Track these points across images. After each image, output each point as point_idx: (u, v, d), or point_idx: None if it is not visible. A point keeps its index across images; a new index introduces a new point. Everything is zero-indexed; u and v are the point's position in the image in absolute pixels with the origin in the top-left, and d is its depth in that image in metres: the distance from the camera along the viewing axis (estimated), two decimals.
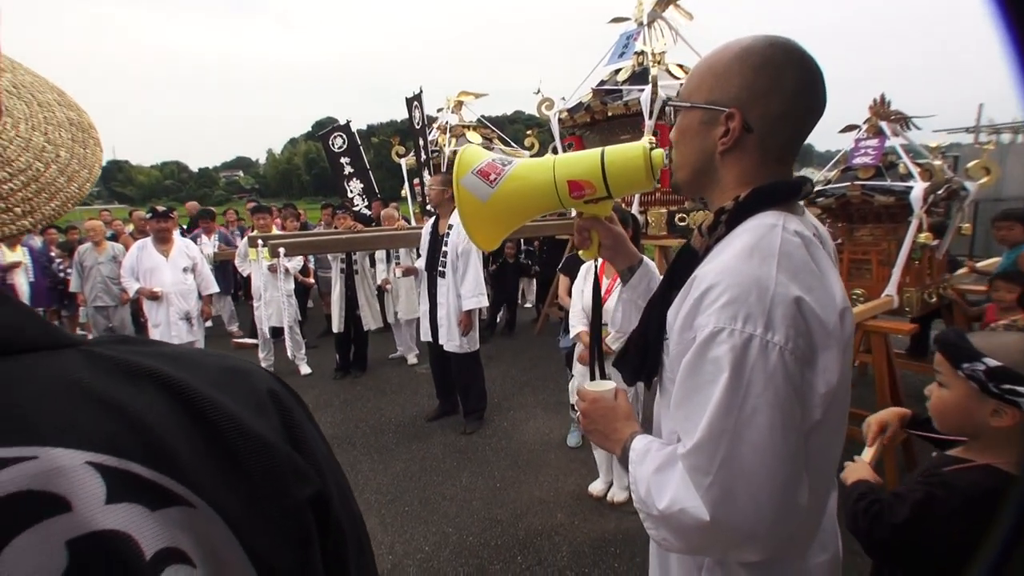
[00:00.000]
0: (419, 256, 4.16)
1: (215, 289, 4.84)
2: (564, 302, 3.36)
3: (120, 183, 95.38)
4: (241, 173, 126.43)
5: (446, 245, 3.66)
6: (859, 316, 3.22)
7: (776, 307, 0.70)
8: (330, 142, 8.80)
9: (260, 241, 4.31)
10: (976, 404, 1.03)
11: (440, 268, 3.70)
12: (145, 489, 0.34)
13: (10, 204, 0.37)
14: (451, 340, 3.69)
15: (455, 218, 3.74)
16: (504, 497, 3.01)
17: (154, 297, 4.25)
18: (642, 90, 5.11)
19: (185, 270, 4.45)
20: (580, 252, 1.12)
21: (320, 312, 6.86)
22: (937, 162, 3.28)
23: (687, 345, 0.76)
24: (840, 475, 1.19)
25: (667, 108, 4.90)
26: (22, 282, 5.81)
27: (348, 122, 8.97)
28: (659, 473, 0.78)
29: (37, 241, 6.50)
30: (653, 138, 4.88)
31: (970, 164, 3.66)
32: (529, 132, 8.01)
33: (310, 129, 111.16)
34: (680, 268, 0.87)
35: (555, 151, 5.99)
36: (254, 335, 5.79)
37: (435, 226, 3.83)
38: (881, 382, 2.99)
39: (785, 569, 0.82)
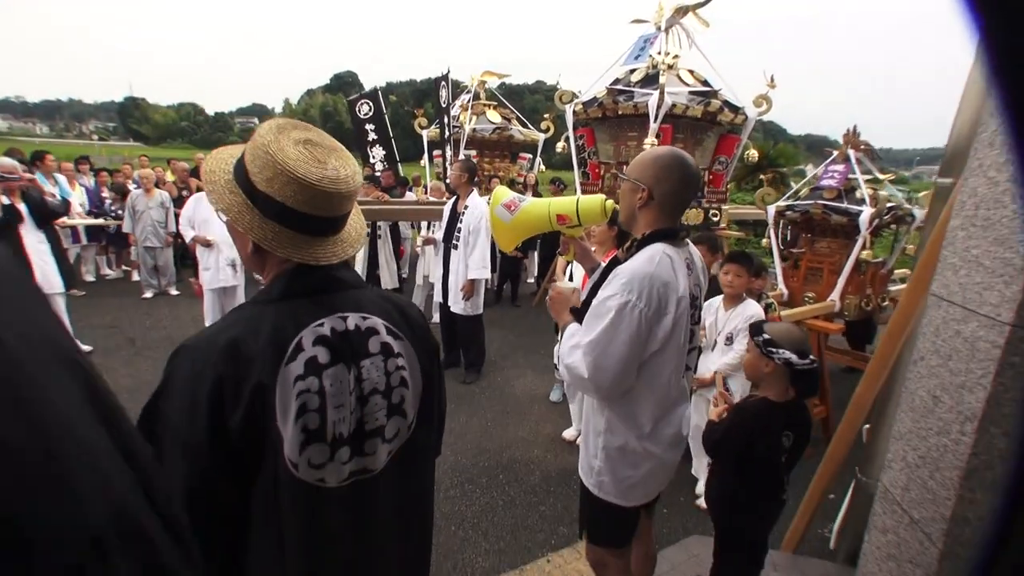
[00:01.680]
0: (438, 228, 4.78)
1: None
2: (559, 279, 4.00)
3: (136, 121, 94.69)
4: (256, 120, 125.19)
5: (461, 222, 4.28)
6: (802, 315, 3.86)
7: (645, 288, 1.36)
8: (357, 108, 9.26)
9: None
10: (759, 360, 1.73)
11: (455, 241, 4.33)
12: (399, 336, 0.99)
13: None
14: (456, 303, 4.35)
15: (471, 199, 4.34)
16: (493, 434, 3.72)
17: (207, 244, 4.88)
18: (650, 94, 5.61)
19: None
20: (562, 256, 1.76)
21: None
22: (882, 192, 3.85)
23: (601, 299, 1.43)
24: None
25: (673, 110, 5.46)
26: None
27: (375, 89, 9.40)
28: (571, 347, 1.48)
29: (90, 181, 7.09)
30: (654, 140, 5.43)
31: (920, 194, 4.23)
32: (546, 116, 8.46)
33: (328, 81, 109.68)
34: (612, 267, 1.51)
35: (567, 140, 6.52)
36: None
37: (454, 205, 4.43)
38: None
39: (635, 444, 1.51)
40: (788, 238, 5.30)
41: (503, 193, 1.73)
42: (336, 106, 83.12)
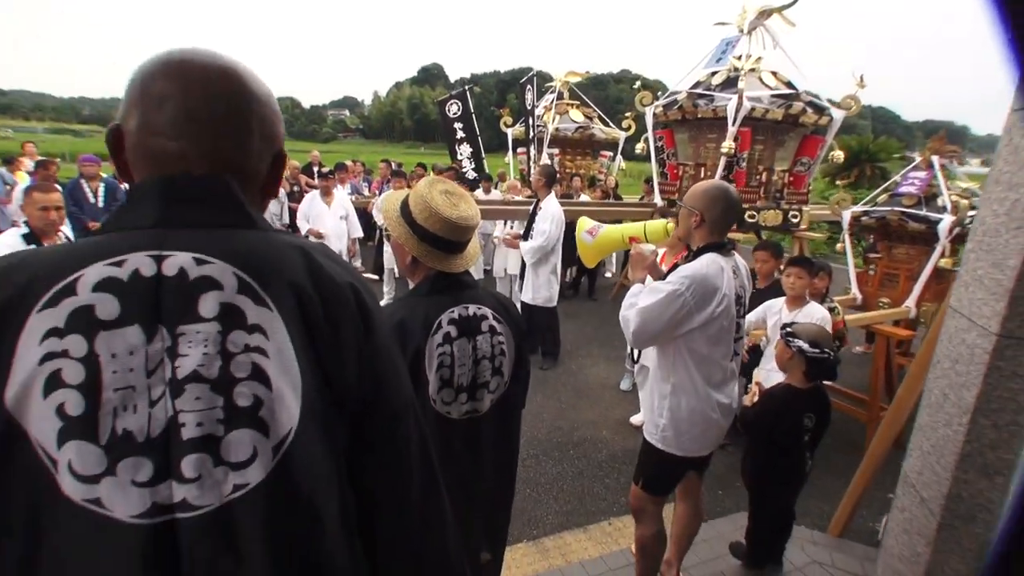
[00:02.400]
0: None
1: (359, 234, 6.25)
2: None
3: None
4: (347, 112, 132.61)
5: (534, 222, 4.71)
6: (870, 320, 3.93)
7: (694, 285, 1.75)
8: (447, 108, 9.87)
9: None
10: (784, 349, 2.08)
11: (530, 237, 4.76)
12: (501, 320, 1.44)
13: None
14: (526, 293, 4.81)
15: (546, 202, 4.72)
16: (566, 415, 4.14)
17: (318, 236, 5.67)
18: (730, 98, 5.71)
19: (341, 217, 5.85)
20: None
21: None
22: (964, 200, 3.80)
23: (664, 281, 1.84)
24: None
25: (752, 113, 5.53)
26: None
27: (465, 89, 9.93)
28: (631, 303, 1.89)
29: None
30: (732, 143, 5.54)
31: None
32: (628, 115, 8.63)
33: (415, 74, 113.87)
34: (676, 268, 1.90)
35: (647, 141, 6.73)
36: (377, 272, 7.22)
37: (534, 206, 4.87)
38: (875, 371, 3.73)
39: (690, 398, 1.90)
40: (865, 243, 5.24)
41: (585, 223, 2.18)
42: (423, 98, 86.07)
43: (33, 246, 2.61)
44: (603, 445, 3.72)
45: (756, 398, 2.26)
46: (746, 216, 5.94)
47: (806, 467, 2.09)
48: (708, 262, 1.81)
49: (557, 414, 4.15)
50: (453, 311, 1.37)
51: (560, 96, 8.84)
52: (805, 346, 2.04)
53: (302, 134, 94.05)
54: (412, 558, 0.77)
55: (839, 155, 6.00)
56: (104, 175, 5.63)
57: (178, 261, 0.61)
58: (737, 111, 5.61)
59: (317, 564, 0.65)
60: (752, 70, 6.08)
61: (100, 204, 5.37)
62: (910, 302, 3.99)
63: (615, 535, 2.82)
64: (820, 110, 5.70)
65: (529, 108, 8.08)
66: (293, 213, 6.75)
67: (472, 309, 1.40)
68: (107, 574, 0.55)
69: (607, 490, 3.22)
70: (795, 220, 5.91)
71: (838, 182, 16.49)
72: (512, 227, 6.10)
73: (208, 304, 0.61)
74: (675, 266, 1.95)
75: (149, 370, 0.58)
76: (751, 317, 3.29)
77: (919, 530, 1.73)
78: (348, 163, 9.64)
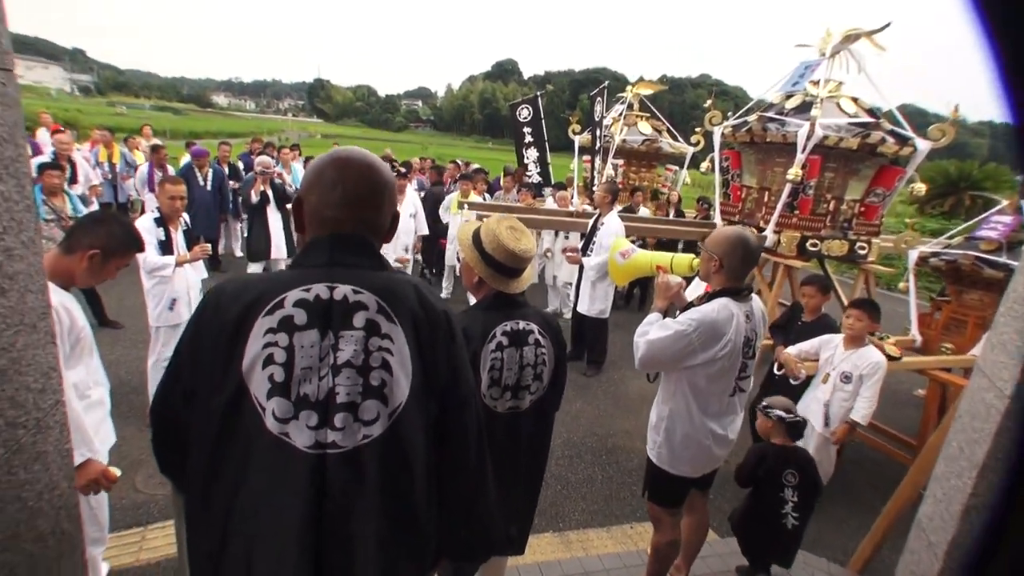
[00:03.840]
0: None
1: (425, 231, 6.63)
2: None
3: (321, 100, 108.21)
4: (420, 103, 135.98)
5: (596, 235, 4.88)
6: (926, 365, 3.86)
7: (701, 327, 1.90)
8: (517, 112, 10.13)
9: (466, 205, 5.89)
10: (765, 422, 2.32)
11: (589, 252, 4.95)
12: (545, 335, 1.67)
13: None
14: (582, 304, 4.98)
15: (608, 217, 4.89)
16: (603, 422, 4.32)
17: None
18: (802, 124, 5.63)
19: (410, 215, 6.24)
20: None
21: None
22: None
23: (676, 318, 2.01)
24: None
25: (825, 141, 5.44)
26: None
27: (537, 95, 10.16)
28: (643, 333, 2.06)
29: (300, 167, 8.91)
30: (799, 171, 5.48)
31: None
32: (698, 130, 8.59)
33: (489, 68, 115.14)
34: (689, 307, 2.06)
35: (712, 162, 6.73)
36: (441, 268, 7.59)
37: (595, 220, 5.04)
38: (926, 416, 3.67)
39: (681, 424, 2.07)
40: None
41: (620, 244, 2.36)
42: (494, 93, 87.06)
43: (162, 228, 3.16)
44: (635, 455, 3.87)
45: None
46: (808, 244, 5.86)
47: (783, 520, 2.29)
48: (719, 307, 1.95)
49: (594, 420, 4.34)
50: (506, 325, 1.62)
51: (630, 107, 8.89)
52: (783, 414, 2.32)
53: (375, 122, 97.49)
54: (466, 508, 1.12)
55: (920, 188, 5.77)
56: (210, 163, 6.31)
57: (343, 291, 0.95)
58: (807, 139, 5.54)
59: (409, 503, 0.98)
60: (832, 95, 5.96)
61: (208, 187, 6.01)
62: (977, 350, 3.87)
63: (635, 538, 2.99)
64: (903, 140, 5.52)
65: (597, 119, 8.20)
66: None
67: (522, 324, 1.65)
68: (288, 479, 0.88)
69: (633, 497, 3.39)
70: (863, 252, 5.76)
71: (927, 211, 15.38)
72: (567, 238, 6.29)
73: (359, 319, 0.95)
74: (708, 296, 2.10)
75: (321, 357, 0.91)
76: (804, 347, 3.35)
77: (924, 572, 1.82)
78: (416, 160, 10.12)
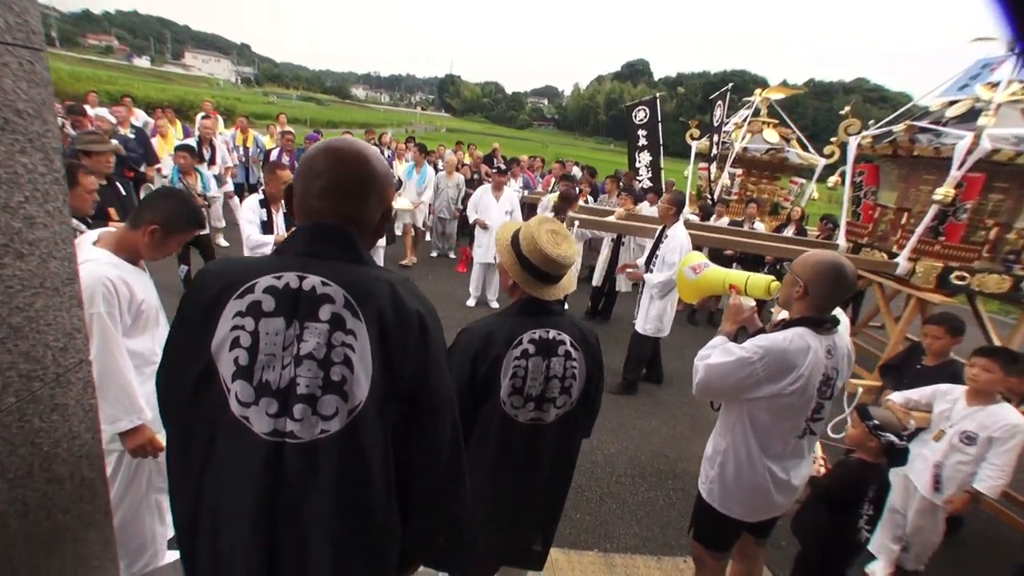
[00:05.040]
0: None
1: None
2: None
3: (450, 95, 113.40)
4: (546, 102, 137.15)
5: (659, 250, 4.56)
6: None
7: (768, 357, 1.69)
8: (633, 114, 9.86)
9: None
10: (865, 436, 2.03)
11: (651, 267, 4.61)
12: (577, 348, 1.62)
13: None
14: (639, 321, 4.69)
15: (673, 230, 4.48)
16: (675, 444, 4.07)
17: (484, 227, 6.23)
18: (963, 136, 4.80)
19: (506, 212, 6.34)
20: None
21: (588, 261, 8.31)
22: None
23: (741, 344, 1.82)
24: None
25: (994, 156, 4.61)
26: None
27: (655, 97, 9.80)
28: (707, 354, 1.88)
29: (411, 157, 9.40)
30: (951, 190, 4.70)
31: None
32: (832, 140, 7.73)
33: (619, 69, 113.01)
34: (757, 333, 1.86)
35: (842, 176, 6.01)
36: None
37: (660, 233, 4.68)
38: None
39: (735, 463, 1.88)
40: None
41: (693, 257, 2.18)
42: (622, 95, 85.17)
43: (265, 209, 3.51)
44: None
45: (821, 470, 2.21)
46: (952, 276, 5.01)
47: (860, 535, 2.07)
48: (794, 337, 1.73)
49: (666, 441, 4.10)
50: (535, 332, 1.58)
51: (756, 112, 8.22)
52: (895, 440, 2.02)
53: (500, 119, 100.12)
54: (434, 513, 1.09)
55: None
56: None
57: (312, 281, 0.94)
58: (967, 153, 4.73)
59: (366, 503, 0.97)
60: (1015, 101, 5.02)
61: None
62: None
63: (687, 573, 2.78)
64: None
65: (716, 124, 7.71)
66: (467, 199, 7.43)
67: (552, 333, 1.60)
68: (245, 463, 0.91)
69: None
70: None
71: None
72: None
73: (325, 311, 0.93)
74: (784, 324, 1.88)
75: (284, 346, 0.92)
76: (914, 396, 2.89)
77: None
78: (523, 158, 10.21)
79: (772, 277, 1.98)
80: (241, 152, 8.17)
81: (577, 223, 5.33)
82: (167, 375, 0.99)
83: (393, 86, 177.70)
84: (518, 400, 1.58)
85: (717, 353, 1.85)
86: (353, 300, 0.94)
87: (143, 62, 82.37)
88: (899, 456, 2.08)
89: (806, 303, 1.78)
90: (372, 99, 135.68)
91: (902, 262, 5.05)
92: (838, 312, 1.90)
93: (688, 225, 5.15)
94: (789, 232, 6.88)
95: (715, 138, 7.80)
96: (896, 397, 2.86)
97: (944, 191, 4.69)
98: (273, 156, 7.49)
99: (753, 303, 2.02)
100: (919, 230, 4.98)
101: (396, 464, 1.00)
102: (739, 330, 2.01)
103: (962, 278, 4.94)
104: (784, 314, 2.05)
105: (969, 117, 5.12)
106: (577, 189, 7.06)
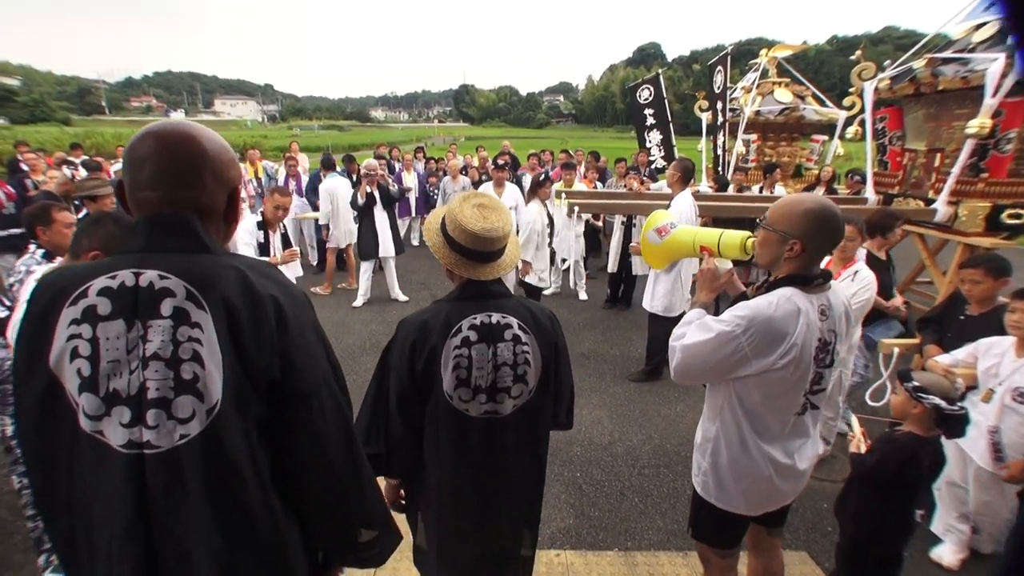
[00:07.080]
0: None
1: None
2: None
3: (466, 104, 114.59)
4: (562, 98, 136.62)
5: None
6: None
7: (753, 328, 1.45)
8: (637, 94, 9.53)
9: (563, 194, 5.63)
10: (908, 403, 1.71)
11: None
12: (527, 331, 1.43)
13: None
14: (647, 298, 4.40)
15: (676, 200, 4.14)
16: None
17: None
18: (995, 58, 4.34)
19: (510, 208, 6.19)
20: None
21: (604, 248, 8.07)
22: None
23: (719, 317, 1.57)
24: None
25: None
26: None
27: (658, 75, 9.46)
28: (679, 336, 1.64)
29: (421, 167, 9.39)
30: (988, 121, 4.25)
31: None
32: (851, 90, 7.23)
33: (631, 55, 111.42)
34: (739, 299, 1.62)
35: (862, 125, 5.57)
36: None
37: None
38: None
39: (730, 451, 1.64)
40: None
41: (659, 217, 1.93)
42: (637, 80, 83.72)
43: (262, 231, 3.51)
44: None
45: (862, 447, 1.87)
46: (1005, 215, 4.52)
47: (914, 515, 1.84)
48: (779, 301, 1.48)
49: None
50: (476, 317, 1.41)
51: (764, 74, 7.79)
52: (943, 404, 1.68)
53: (517, 121, 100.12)
54: (331, 512, 1.01)
55: None
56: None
57: (148, 276, 0.86)
58: (1003, 76, 4.26)
59: (244, 514, 0.90)
60: None
61: None
62: None
63: None
64: None
65: (718, 91, 7.34)
66: None
67: (496, 317, 1.42)
68: (105, 481, 0.84)
69: None
70: None
71: None
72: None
73: (166, 306, 0.86)
74: (768, 286, 1.63)
75: (129, 350, 0.84)
76: (958, 355, 2.56)
77: None
78: (544, 155, 10.04)
79: (748, 233, 1.72)
80: (255, 184, 8.34)
81: (576, 207, 5.11)
82: (15, 398, 0.90)
83: (411, 103, 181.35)
84: (466, 393, 1.41)
85: (693, 330, 1.59)
86: (195, 290, 0.87)
87: (179, 115, 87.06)
88: (956, 424, 1.76)
89: (802, 260, 1.52)
90: (391, 119, 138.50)
91: (940, 207, 4.61)
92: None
93: (697, 197, 4.87)
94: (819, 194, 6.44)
95: (719, 105, 7.42)
96: (944, 359, 2.54)
97: (979, 122, 4.25)
98: (279, 181, 7.59)
99: (730, 264, 1.76)
100: (955, 170, 4.53)
101: (274, 460, 0.94)
102: (717, 299, 1.77)
103: (1017, 215, 4.44)
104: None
105: (1000, 40, 4.65)
106: (581, 172, 6.83)
